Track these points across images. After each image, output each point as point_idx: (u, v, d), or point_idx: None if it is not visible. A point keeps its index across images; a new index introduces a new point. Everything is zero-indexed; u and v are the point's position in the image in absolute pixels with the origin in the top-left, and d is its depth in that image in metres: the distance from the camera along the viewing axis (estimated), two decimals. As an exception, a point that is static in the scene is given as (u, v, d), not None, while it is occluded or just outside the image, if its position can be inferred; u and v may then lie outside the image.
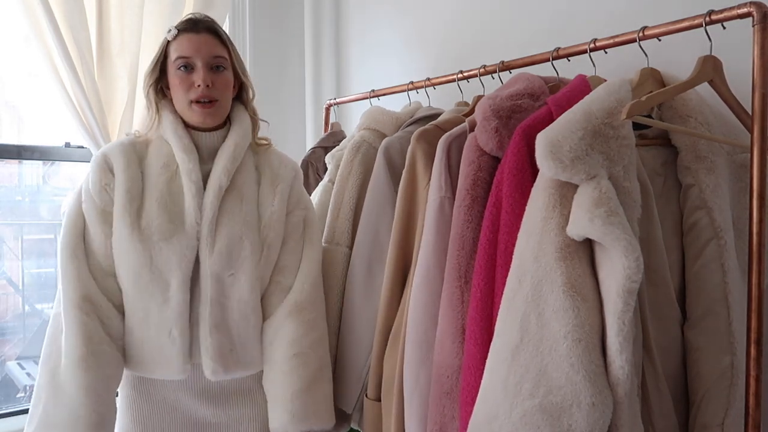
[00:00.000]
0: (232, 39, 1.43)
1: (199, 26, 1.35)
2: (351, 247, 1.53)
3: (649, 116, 1.14)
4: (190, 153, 1.35)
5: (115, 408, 1.35)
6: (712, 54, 1.08)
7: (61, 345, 1.29)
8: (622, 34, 1.19)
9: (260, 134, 1.48)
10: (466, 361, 1.09)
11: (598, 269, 0.94)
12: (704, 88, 1.11)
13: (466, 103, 1.56)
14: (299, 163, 1.93)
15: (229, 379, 1.39)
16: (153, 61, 1.38)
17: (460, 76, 1.56)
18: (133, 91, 1.95)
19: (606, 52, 1.24)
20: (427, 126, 1.36)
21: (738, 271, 1.09)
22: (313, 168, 1.95)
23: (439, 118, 1.44)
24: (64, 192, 2.36)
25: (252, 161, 1.43)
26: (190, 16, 1.39)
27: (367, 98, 1.91)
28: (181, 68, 1.33)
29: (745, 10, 0.98)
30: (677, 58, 1.17)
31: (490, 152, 1.17)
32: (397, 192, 1.38)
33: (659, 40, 1.16)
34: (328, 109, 2.18)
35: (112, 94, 1.96)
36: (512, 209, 1.05)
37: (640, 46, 1.15)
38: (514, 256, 1.00)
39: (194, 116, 1.35)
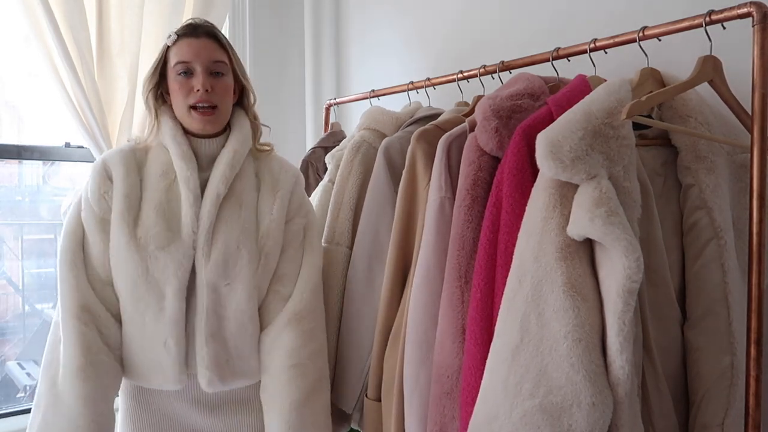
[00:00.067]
0: (232, 39, 1.43)
1: (198, 31, 1.34)
2: (351, 247, 1.53)
3: (649, 116, 1.14)
4: (188, 160, 1.33)
5: (114, 417, 1.34)
6: (712, 54, 1.08)
7: (60, 354, 1.29)
8: (622, 34, 1.19)
9: (262, 139, 1.46)
10: (467, 361, 1.09)
11: (599, 269, 0.94)
12: (704, 88, 1.11)
13: (466, 103, 1.56)
14: (299, 163, 1.94)
15: (227, 390, 1.37)
16: (152, 66, 1.37)
17: (460, 76, 1.56)
18: (133, 91, 1.95)
19: (606, 52, 1.24)
20: (427, 126, 1.36)
21: (738, 271, 1.09)
22: (313, 168, 1.95)
23: (439, 118, 1.44)
24: (64, 192, 2.36)
25: (252, 167, 1.41)
26: (190, 21, 1.38)
27: (367, 98, 1.91)
28: (181, 73, 1.32)
29: (745, 10, 0.98)
30: (677, 58, 1.17)
31: (490, 152, 1.17)
32: (397, 192, 1.37)
33: (659, 40, 1.16)
34: (328, 109, 2.18)
35: (112, 94, 1.96)
36: (512, 209, 1.05)
37: (640, 46, 1.15)
38: (514, 256, 1.00)
39: (194, 123, 1.34)
